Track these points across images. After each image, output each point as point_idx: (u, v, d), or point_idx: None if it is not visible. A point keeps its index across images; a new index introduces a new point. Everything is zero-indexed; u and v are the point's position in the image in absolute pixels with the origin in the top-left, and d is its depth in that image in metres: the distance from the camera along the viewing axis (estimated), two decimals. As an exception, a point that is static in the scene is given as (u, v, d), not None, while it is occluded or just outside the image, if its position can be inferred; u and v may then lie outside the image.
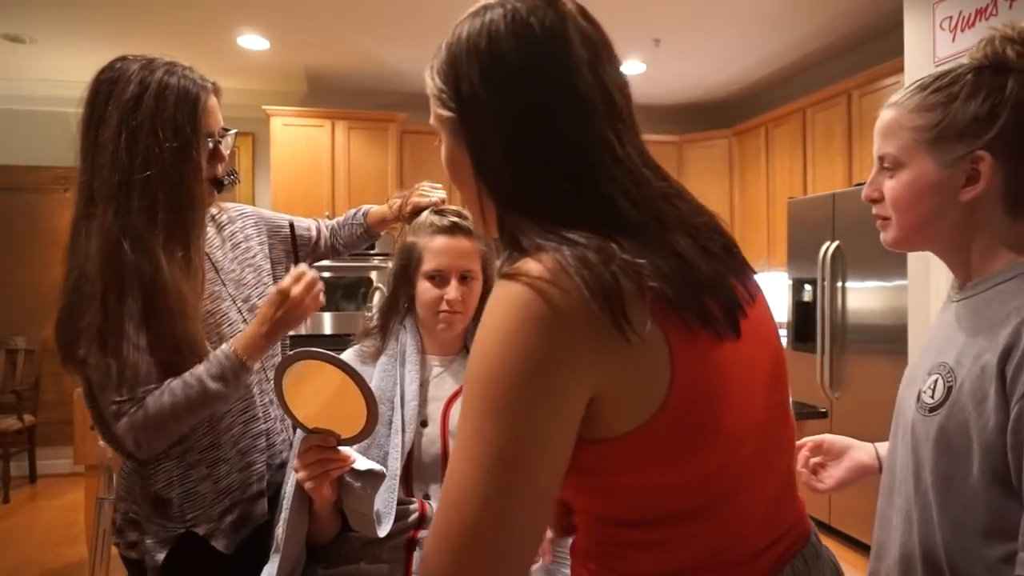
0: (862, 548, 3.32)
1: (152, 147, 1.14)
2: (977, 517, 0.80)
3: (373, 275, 4.53)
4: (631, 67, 4.52)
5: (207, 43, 4.07)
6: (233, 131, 1.30)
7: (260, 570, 1.13)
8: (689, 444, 0.62)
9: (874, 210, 0.96)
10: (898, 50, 3.09)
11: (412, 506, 1.16)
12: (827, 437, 1.15)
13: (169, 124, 1.16)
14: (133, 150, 1.14)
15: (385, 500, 1.12)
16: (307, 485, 1.06)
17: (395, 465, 1.15)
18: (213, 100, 1.24)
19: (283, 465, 1.32)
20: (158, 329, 1.14)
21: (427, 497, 1.19)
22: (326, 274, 4.43)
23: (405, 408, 1.20)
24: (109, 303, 1.11)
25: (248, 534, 1.26)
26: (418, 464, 1.21)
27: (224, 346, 1.18)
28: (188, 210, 1.19)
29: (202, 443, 1.23)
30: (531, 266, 0.59)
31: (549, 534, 0.96)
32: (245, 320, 1.31)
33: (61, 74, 4.55)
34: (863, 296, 3.41)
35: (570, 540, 0.80)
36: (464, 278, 1.25)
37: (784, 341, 3.90)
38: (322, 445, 1.05)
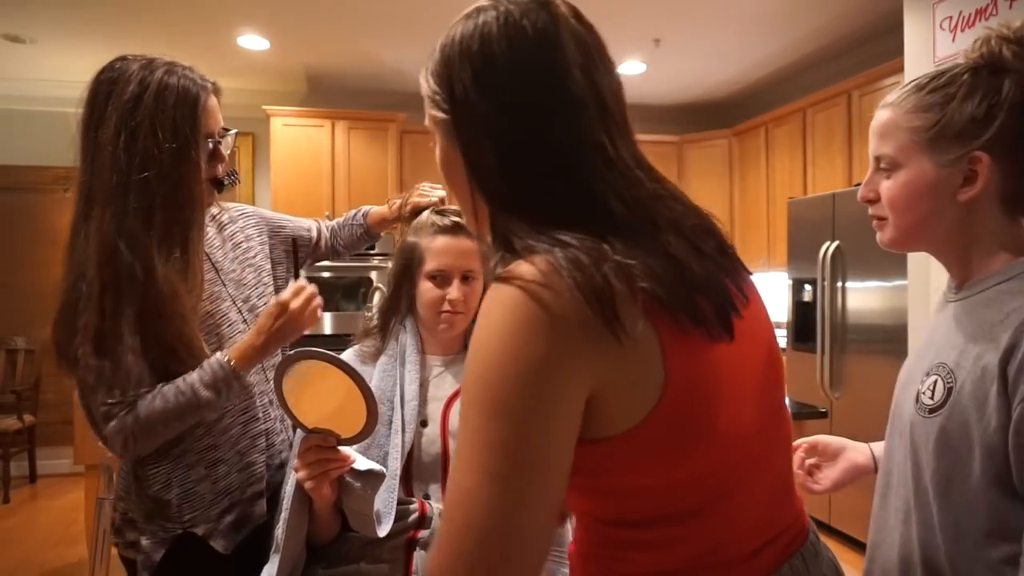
0: (862, 548, 3.31)
1: (151, 147, 1.14)
2: (978, 518, 0.80)
3: (373, 275, 4.53)
4: (631, 67, 4.52)
5: (207, 43, 4.07)
6: (233, 131, 1.30)
7: (259, 570, 1.13)
8: (684, 443, 0.62)
9: (870, 210, 0.96)
10: (898, 50, 3.09)
11: (412, 506, 1.16)
12: (822, 438, 1.15)
13: (168, 124, 1.16)
14: (131, 150, 1.14)
15: (385, 500, 1.12)
16: (307, 485, 1.06)
17: (395, 465, 1.15)
18: (213, 100, 1.24)
19: (282, 465, 1.32)
20: (152, 331, 1.14)
21: (427, 497, 1.19)
22: (326, 274, 4.43)
23: (405, 408, 1.20)
24: (106, 304, 1.11)
25: (247, 534, 1.26)
26: (418, 464, 1.21)
27: (219, 354, 1.19)
28: (186, 211, 1.19)
29: (201, 444, 1.23)
30: (524, 269, 0.59)
31: None
32: (245, 320, 1.31)
33: (61, 74, 4.55)
34: (863, 296, 3.41)
35: (568, 541, 0.81)
36: (466, 278, 1.25)
37: (784, 341, 3.89)
38: (322, 445, 1.06)
